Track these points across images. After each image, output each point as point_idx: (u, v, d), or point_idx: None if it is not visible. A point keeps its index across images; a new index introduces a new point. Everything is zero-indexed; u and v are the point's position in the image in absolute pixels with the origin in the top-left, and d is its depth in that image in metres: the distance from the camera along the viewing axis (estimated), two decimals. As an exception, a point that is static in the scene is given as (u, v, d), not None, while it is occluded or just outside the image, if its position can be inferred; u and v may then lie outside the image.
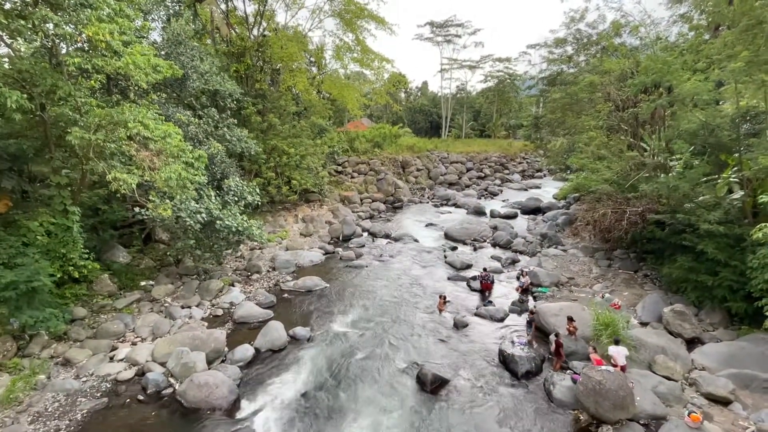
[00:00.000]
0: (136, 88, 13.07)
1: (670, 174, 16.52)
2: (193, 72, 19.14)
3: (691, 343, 12.34)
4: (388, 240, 25.63)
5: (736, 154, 13.72)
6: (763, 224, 10.18)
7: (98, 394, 10.37)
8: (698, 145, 16.13)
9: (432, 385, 10.74)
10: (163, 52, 18.09)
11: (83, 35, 11.17)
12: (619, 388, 9.10)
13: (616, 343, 10.82)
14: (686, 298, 14.25)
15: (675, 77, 14.94)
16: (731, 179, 13.65)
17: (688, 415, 8.82)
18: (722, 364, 11.00)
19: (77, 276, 12.67)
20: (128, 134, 11.87)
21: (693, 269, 13.87)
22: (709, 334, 12.70)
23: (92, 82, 13.58)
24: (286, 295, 16.98)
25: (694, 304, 14.02)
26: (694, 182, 14.78)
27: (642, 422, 9.22)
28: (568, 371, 11.25)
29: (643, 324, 13.67)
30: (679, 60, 15.50)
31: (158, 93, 15.78)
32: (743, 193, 13.34)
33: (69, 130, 11.27)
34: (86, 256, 12.71)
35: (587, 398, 9.36)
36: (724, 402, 9.85)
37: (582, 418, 9.47)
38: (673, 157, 17.53)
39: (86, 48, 11.82)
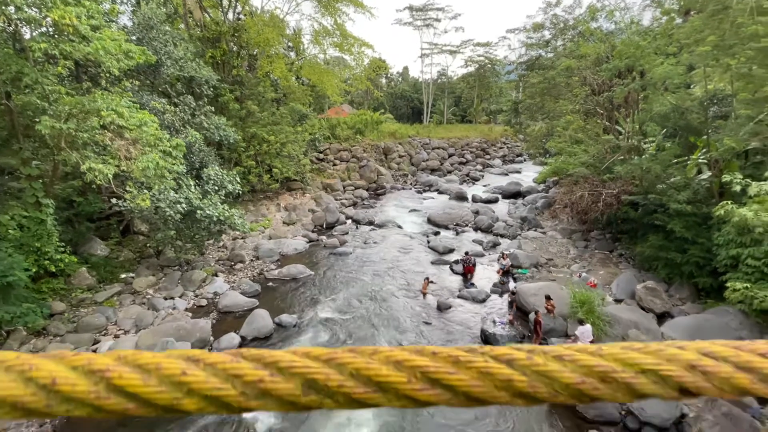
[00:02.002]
0: (108, 74, 12.62)
1: (643, 156, 17.08)
2: (166, 58, 18.53)
3: (662, 317, 13.01)
4: (372, 227, 25.72)
5: (705, 137, 14.28)
6: (724, 202, 10.72)
7: (82, 388, 10.26)
8: (670, 127, 16.69)
9: (417, 366, 11.02)
10: (134, 37, 17.41)
11: (48, 19, 10.68)
12: (594, 361, 9.56)
13: (581, 323, 11.38)
14: (657, 275, 14.93)
15: (647, 61, 15.34)
16: (700, 160, 14.21)
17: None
18: (689, 336, 11.64)
19: (54, 270, 12.37)
20: (101, 123, 11.52)
21: (663, 247, 14.52)
22: (678, 309, 13.38)
23: (59, 68, 13.05)
24: (270, 283, 16.98)
25: (664, 281, 14.70)
26: (665, 164, 15.34)
27: (615, 392, 9.75)
28: (547, 347, 11.75)
29: (618, 301, 14.29)
30: (652, 44, 15.89)
31: (131, 80, 15.30)
32: (711, 173, 13.94)
33: (38, 120, 10.85)
34: (62, 249, 12.42)
35: (564, 372, 9.81)
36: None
37: (560, 390, 9.93)
38: (646, 140, 18.09)
39: (52, 33, 11.32)
